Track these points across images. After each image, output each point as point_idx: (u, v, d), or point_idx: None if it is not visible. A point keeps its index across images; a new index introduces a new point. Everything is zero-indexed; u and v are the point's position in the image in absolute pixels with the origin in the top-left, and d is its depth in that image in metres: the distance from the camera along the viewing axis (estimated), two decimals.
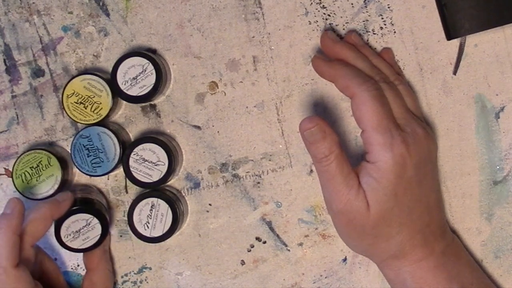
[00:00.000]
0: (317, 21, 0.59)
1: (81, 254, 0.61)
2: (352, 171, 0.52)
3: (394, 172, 0.51)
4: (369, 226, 0.52)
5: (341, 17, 0.59)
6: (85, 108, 0.58)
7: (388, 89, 0.54)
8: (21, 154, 0.58)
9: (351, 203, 0.51)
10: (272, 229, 0.60)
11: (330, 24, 0.59)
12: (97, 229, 0.57)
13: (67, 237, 0.57)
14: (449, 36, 0.57)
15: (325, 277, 0.60)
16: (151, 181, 0.58)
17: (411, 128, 0.53)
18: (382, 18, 0.59)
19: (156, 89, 0.57)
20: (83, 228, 0.57)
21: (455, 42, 0.58)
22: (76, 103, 0.58)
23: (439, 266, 0.53)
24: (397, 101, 0.54)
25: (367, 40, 0.59)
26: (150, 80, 0.57)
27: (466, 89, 0.59)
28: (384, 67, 0.56)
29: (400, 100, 0.54)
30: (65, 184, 0.59)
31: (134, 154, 0.57)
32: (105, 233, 0.57)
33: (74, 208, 0.57)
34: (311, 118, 0.51)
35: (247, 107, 0.60)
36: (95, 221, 0.57)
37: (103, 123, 0.58)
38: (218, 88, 0.60)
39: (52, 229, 0.57)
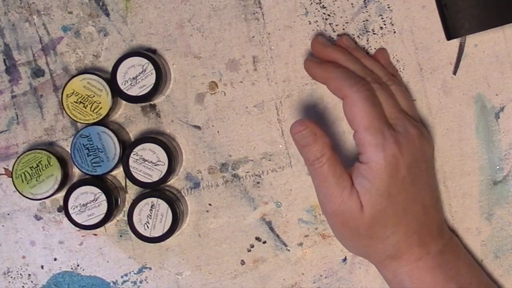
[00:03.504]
0: (317, 21, 0.59)
1: (81, 253, 0.61)
2: (345, 172, 0.52)
3: (386, 172, 0.51)
4: (364, 227, 0.52)
5: (341, 17, 0.59)
6: (85, 108, 0.58)
7: (380, 89, 0.54)
8: (21, 154, 0.58)
9: (344, 204, 0.51)
10: (272, 229, 0.60)
11: (330, 24, 0.59)
12: (103, 206, 0.57)
13: (73, 208, 0.57)
14: (449, 36, 0.57)
15: (325, 277, 0.60)
16: (151, 181, 0.58)
17: (404, 128, 0.53)
18: (382, 18, 0.59)
19: (156, 89, 0.57)
20: (90, 202, 0.57)
21: (455, 42, 0.58)
22: (76, 102, 0.58)
23: (437, 266, 0.53)
24: (390, 101, 0.54)
25: (367, 40, 0.59)
26: (150, 80, 0.57)
27: (466, 89, 0.59)
28: (377, 68, 0.56)
29: (392, 101, 0.54)
30: (65, 184, 0.59)
31: (134, 154, 0.57)
32: (110, 213, 0.57)
33: (87, 177, 0.58)
34: (302, 121, 0.52)
35: (247, 107, 0.60)
36: (103, 198, 0.57)
37: (103, 122, 0.58)
38: (218, 88, 0.60)
39: (58, 202, 0.58)
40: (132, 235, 0.58)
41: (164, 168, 0.57)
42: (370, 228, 0.52)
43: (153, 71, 0.57)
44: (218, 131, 0.60)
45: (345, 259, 0.60)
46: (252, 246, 0.60)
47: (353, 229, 0.52)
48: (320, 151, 0.51)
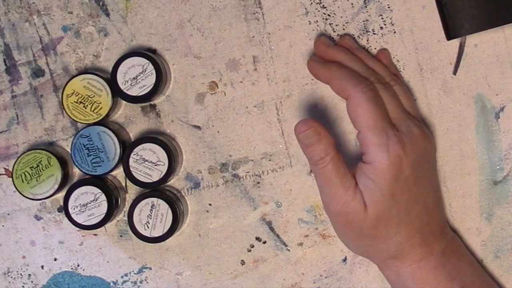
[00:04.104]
0: (317, 21, 0.59)
1: (81, 253, 0.61)
2: (349, 172, 0.52)
3: (390, 172, 0.51)
4: (367, 227, 0.52)
5: (341, 17, 0.59)
6: (85, 108, 0.58)
7: (383, 89, 0.54)
8: (21, 154, 0.58)
9: (348, 204, 0.51)
10: (272, 229, 0.60)
11: (330, 24, 0.59)
12: (103, 206, 0.57)
13: (74, 208, 0.57)
14: (449, 36, 0.57)
15: (325, 277, 0.60)
16: (151, 181, 0.58)
17: (407, 128, 0.53)
18: (382, 18, 0.59)
19: (156, 89, 0.57)
20: (90, 202, 0.57)
21: (455, 42, 0.58)
22: (76, 102, 0.58)
23: (440, 266, 0.53)
24: (393, 101, 0.54)
25: (367, 40, 0.59)
26: (150, 80, 0.57)
27: (466, 89, 0.59)
28: (380, 68, 0.56)
29: (395, 100, 0.54)
30: (65, 184, 0.59)
31: (134, 154, 0.57)
32: (110, 213, 0.57)
33: (87, 177, 0.58)
34: (306, 121, 0.52)
35: (247, 107, 0.60)
36: (103, 198, 0.57)
37: (103, 122, 0.58)
38: (218, 88, 0.60)
39: (59, 202, 0.59)
40: (132, 235, 0.58)
41: (164, 168, 0.57)
42: (373, 228, 0.52)
43: (153, 71, 0.57)
44: (218, 131, 0.60)
45: (345, 259, 0.60)
46: (252, 246, 0.60)
47: (356, 229, 0.52)
48: (324, 151, 0.51)
